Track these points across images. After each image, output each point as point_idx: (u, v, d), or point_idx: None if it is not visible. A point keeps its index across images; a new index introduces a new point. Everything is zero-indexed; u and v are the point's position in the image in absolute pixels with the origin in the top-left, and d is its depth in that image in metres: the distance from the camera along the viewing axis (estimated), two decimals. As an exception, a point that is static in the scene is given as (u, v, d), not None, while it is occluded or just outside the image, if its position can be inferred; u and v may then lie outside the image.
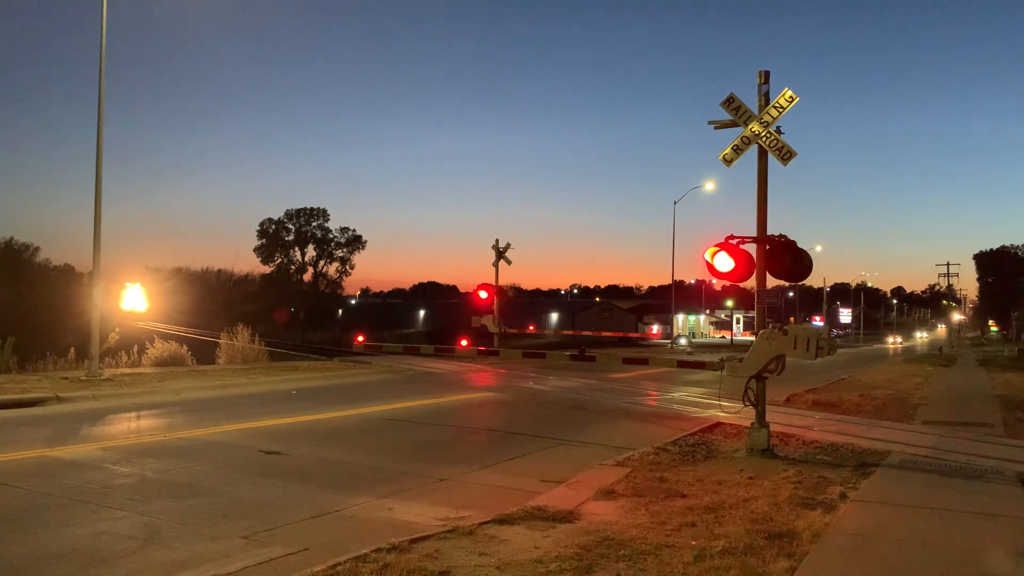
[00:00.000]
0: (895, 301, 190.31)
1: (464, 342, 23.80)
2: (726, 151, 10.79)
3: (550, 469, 9.38)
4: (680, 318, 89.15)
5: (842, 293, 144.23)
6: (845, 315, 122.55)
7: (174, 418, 13.00)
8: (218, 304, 33.07)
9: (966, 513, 7.28)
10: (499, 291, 30.15)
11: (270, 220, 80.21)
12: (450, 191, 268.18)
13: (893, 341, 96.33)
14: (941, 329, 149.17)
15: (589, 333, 51.85)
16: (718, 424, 12.96)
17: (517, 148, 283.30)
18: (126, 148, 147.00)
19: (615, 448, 10.69)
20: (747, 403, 10.57)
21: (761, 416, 10.41)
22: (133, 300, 22.90)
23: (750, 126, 10.61)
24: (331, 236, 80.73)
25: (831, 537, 6.28)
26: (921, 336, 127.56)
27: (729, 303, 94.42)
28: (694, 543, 6.04)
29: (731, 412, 13.17)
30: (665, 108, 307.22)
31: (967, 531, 6.67)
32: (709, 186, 48.98)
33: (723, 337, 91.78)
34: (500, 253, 30.30)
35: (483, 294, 29.62)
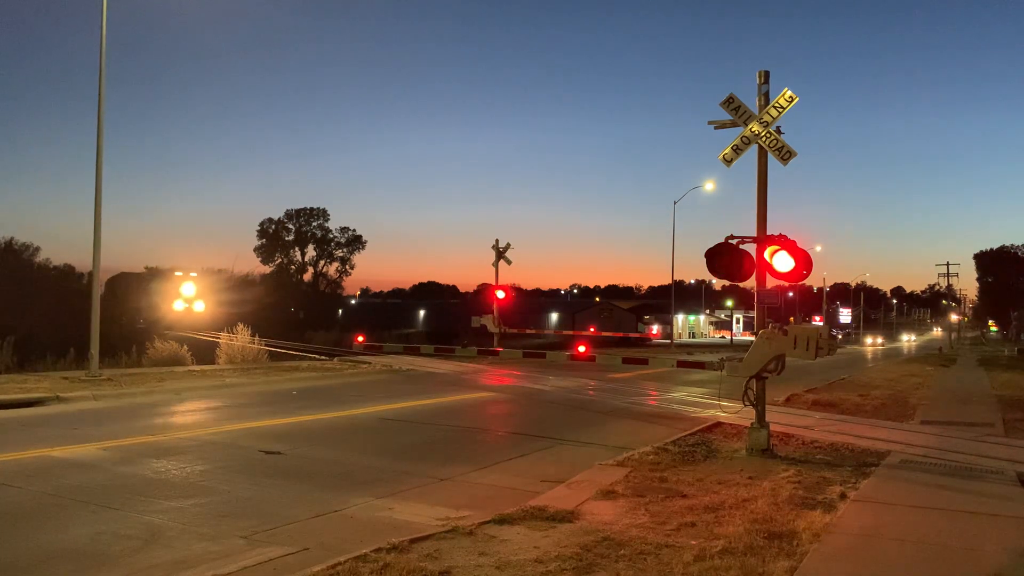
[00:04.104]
0: (895, 301, 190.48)
1: (464, 342, 23.83)
2: (726, 151, 10.80)
3: (550, 469, 9.38)
4: (680, 318, 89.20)
5: (842, 293, 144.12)
6: (845, 315, 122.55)
7: (174, 418, 13.00)
8: (218, 304, 33.00)
9: (966, 513, 7.28)
10: (498, 291, 30.20)
11: (270, 220, 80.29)
12: (450, 191, 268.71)
13: (872, 342, 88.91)
14: (936, 331, 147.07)
15: (589, 333, 51.81)
16: (718, 424, 12.96)
17: (517, 148, 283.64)
18: (126, 148, 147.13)
19: (615, 448, 10.69)
20: (747, 403, 10.57)
21: (761, 416, 10.41)
22: (188, 299, 20.82)
23: (750, 126, 10.61)
24: (331, 236, 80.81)
25: (831, 537, 6.28)
26: (909, 339, 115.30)
27: (729, 303, 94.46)
28: (694, 543, 6.04)
29: (731, 412, 13.18)
30: (665, 108, 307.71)
31: (967, 531, 6.66)
32: (709, 186, 48.99)
33: (723, 337, 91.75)
34: (500, 253, 30.32)
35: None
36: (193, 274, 21.71)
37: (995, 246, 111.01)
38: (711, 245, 10.58)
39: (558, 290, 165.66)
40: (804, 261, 10.56)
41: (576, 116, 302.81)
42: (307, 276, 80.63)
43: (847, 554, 5.90)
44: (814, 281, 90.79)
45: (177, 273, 22.10)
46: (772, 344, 10.16)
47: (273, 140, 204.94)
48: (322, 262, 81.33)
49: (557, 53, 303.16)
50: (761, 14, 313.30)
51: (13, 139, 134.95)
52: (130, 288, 38.89)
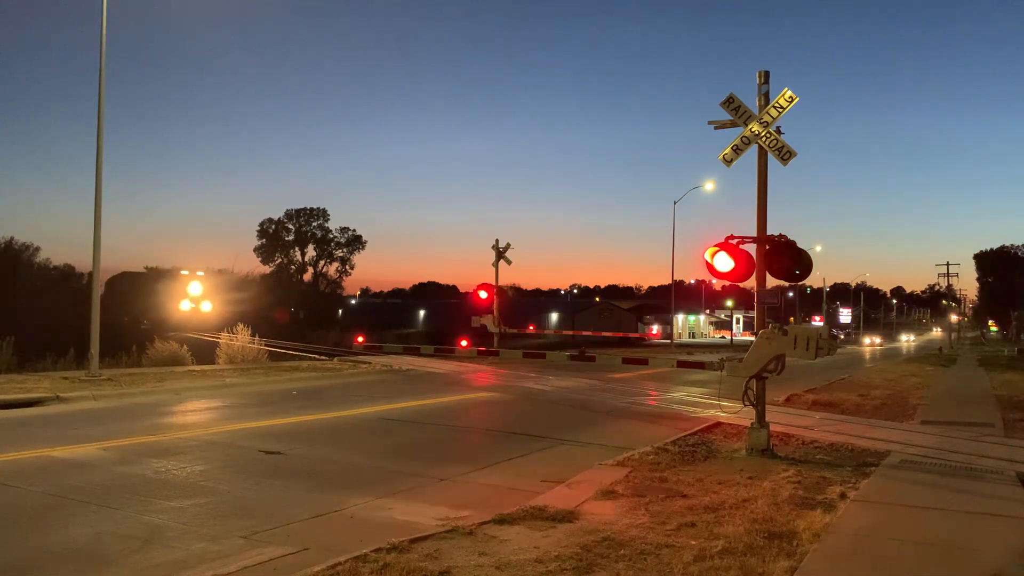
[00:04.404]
0: (895, 301, 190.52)
1: (464, 342, 23.81)
2: (726, 151, 10.79)
3: (550, 469, 9.38)
4: (680, 318, 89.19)
5: (842, 293, 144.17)
6: (845, 315, 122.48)
7: (174, 418, 13.00)
8: (223, 304, 32.92)
9: (966, 513, 7.28)
10: (499, 291, 30.16)
11: (270, 220, 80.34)
12: (450, 191, 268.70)
13: (870, 343, 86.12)
14: (936, 331, 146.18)
15: (589, 333, 51.87)
16: (718, 424, 12.96)
17: (517, 148, 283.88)
18: (126, 148, 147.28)
19: (615, 448, 10.68)
20: (747, 403, 10.57)
21: (761, 416, 10.41)
22: (194, 299, 20.07)
23: (750, 126, 10.61)
24: (331, 236, 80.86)
25: (831, 537, 6.28)
26: (908, 339, 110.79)
27: (729, 303, 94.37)
28: (694, 543, 6.04)
29: (731, 412, 13.17)
30: (665, 108, 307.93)
31: (967, 531, 6.67)
32: (709, 186, 48.99)
33: (723, 337, 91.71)
34: (500, 253, 30.28)
35: (483, 294, 29.62)
36: (200, 273, 21.19)
37: (995, 246, 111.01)
38: (711, 245, 10.59)
39: (558, 290, 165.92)
40: (804, 261, 10.57)
41: (576, 116, 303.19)
42: (307, 276, 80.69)
43: (847, 554, 5.90)
44: (814, 281, 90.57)
45: (183, 272, 21.58)
46: (772, 344, 10.16)
47: (273, 140, 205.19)
48: (322, 262, 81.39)
49: (557, 53, 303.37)
50: (762, 14, 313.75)
51: (13, 139, 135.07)
52: (133, 288, 38.77)
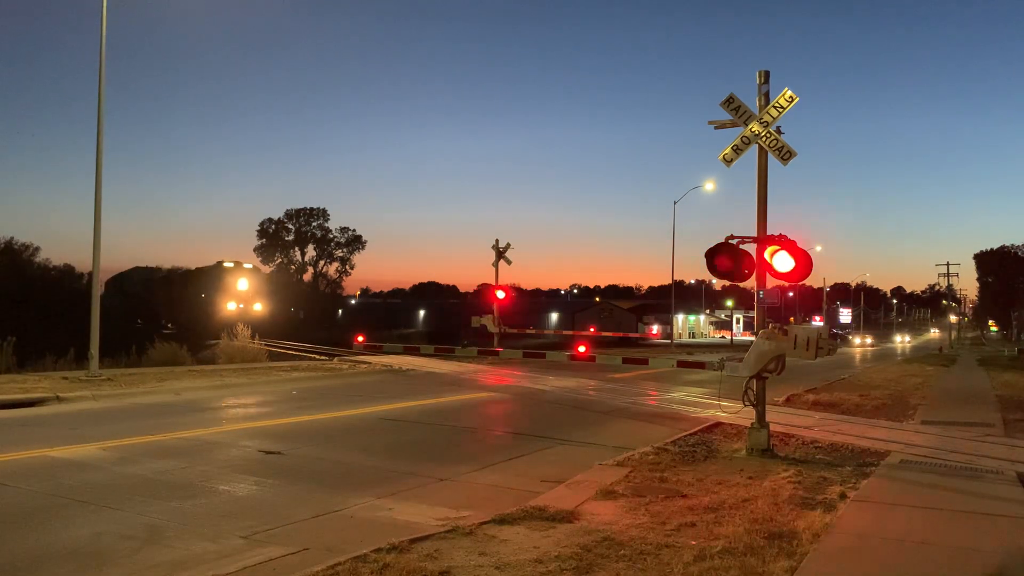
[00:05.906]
0: (895, 301, 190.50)
1: (464, 342, 23.82)
2: (726, 151, 10.79)
3: (550, 469, 9.38)
4: (680, 318, 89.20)
5: (842, 293, 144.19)
6: (845, 315, 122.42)
7: (174, 418, 12.98)
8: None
9: (966, 513, 7.28)
10: (498, 291, 30.19)
11: (270, 220, 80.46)
12: (450, 191, 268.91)
13: (861, 343, 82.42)
14: (933, 332, 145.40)
15: (589, 333, 51.82)
16: (718, 424, 12.95)
17: (517, 148, 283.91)
18: (126, 148, 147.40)
19: (615, 448, 10.68)
20: (747, 403, 10.56)
21: (761, 416, 10.40)
22: (242, 297, 18.19)
23: (750, 126, 10.61)
24: (331, 236, 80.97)
25: (831, 537, 6.27)
26: (903, 340, 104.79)
27: (729, 303, 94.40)
28: (694, 543, 6.03)
29: (731, 412, 13.17)
30: (665, 108, 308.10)
31: (967, 531, 6.66)
32: (709, 186, 48.89)
33: (723, 337, 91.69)
34: (500, 253, 30.31)
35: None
36: (248, 266, 18.91)
37: (995, 246, 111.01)
38: (711, 245, 10.58)
39: (558, 290, 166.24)
40: (804, 261, 10.56)
41: (576, 116, 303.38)
42: (307, 276, 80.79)
43: (847, 554, 5.90)
44: (814, 281, 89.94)
45: (227, 264, 19.91)
46: (772, 344, 10.15)
47: (273, 140, 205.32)
48: (322, 262, 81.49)
49: (557, 53, 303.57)
50: (762, 13, 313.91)
51: (13, 139, 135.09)
52: (146, 285, 38.48)
